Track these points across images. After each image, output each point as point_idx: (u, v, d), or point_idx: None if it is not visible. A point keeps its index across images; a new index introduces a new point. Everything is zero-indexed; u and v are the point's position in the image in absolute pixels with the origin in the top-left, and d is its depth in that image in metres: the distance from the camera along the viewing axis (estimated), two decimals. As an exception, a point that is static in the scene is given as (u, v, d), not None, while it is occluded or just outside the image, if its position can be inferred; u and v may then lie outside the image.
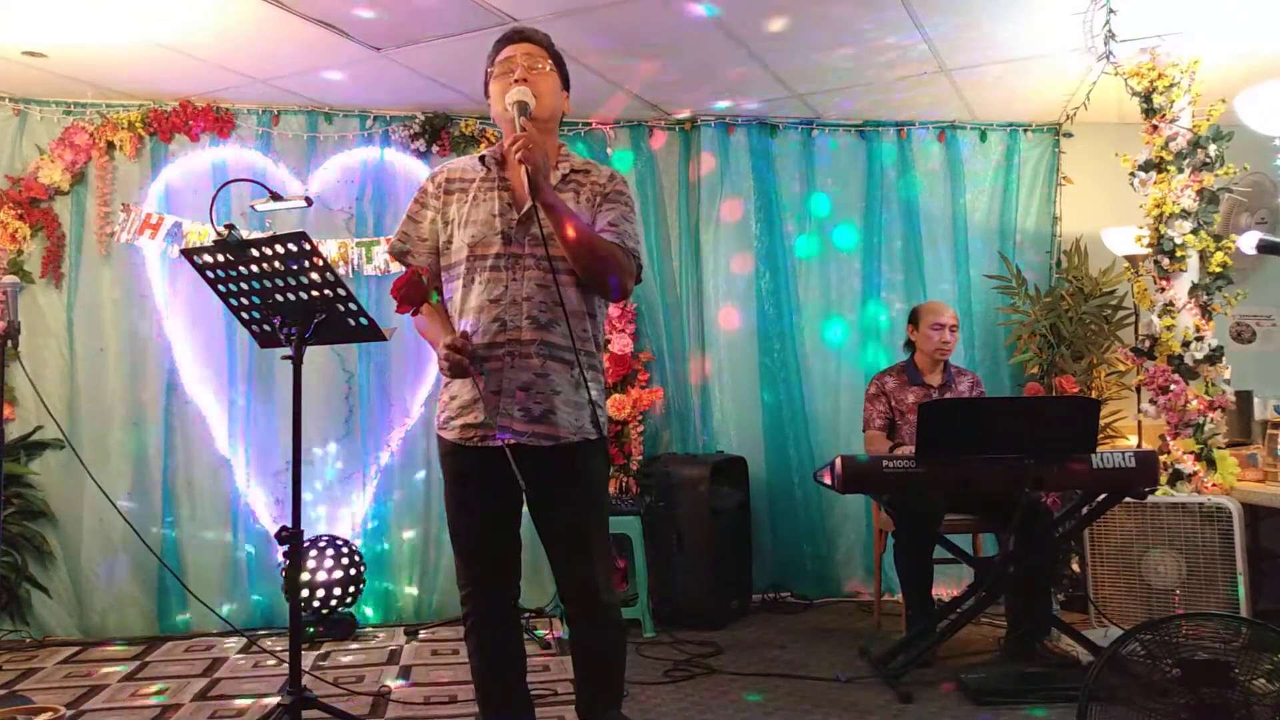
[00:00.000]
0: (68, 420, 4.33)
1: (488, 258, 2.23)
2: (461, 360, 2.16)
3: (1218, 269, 4.00)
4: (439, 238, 2.34)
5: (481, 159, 2.33)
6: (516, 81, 2.23)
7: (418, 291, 2.24)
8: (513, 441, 2.20)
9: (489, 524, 2.30)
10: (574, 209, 2.25)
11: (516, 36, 2.33)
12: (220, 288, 2.59)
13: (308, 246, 2.40)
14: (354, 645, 4.20)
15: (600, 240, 2.23)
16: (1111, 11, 3.74)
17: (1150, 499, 3.64)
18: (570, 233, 2.15)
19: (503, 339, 2.20)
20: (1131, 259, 4.51)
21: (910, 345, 4.24)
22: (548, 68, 2.30)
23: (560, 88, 2.35)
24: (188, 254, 2.56)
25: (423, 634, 4.36)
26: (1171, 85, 4.02)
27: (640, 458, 4.76)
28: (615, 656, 2.37)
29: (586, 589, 2.28)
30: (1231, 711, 1.89)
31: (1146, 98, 4.08)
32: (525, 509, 2.36)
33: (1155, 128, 4.07)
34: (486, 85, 2.35)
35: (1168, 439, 3.99)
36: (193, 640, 4.28)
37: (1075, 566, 4.27)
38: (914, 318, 4.23)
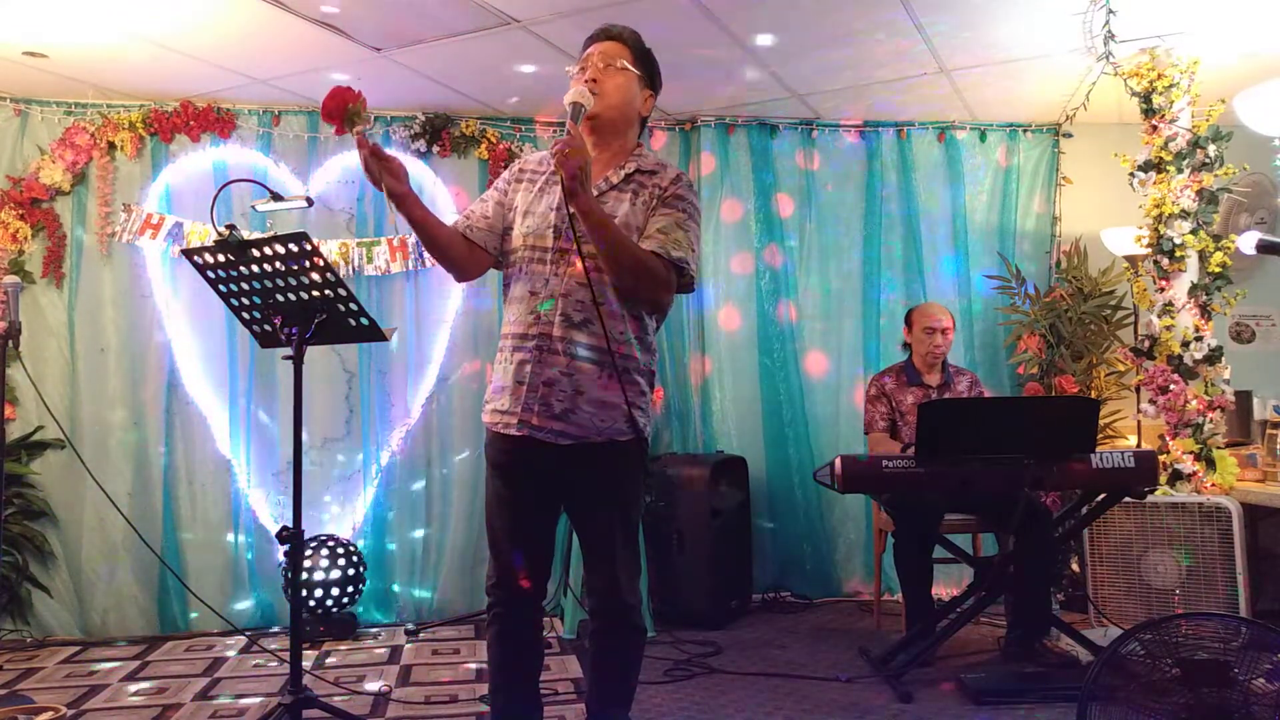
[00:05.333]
0: (68, 420, 4.33)
1: (537, 249, 2.23)
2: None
3: (1217, 269, 4.00)
4: (503, 221, 2.33)
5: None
6: (586, 82, 2.20)
7: (339, 104, 2.07)
8: (525, 433, 2.20)
9: (520, 519, 2.29)
10: (625, 211, 2.21)
11: (600, 35, 2.30)
12: (221, 288, 2.60)
13: (308, 247, 2.40)
14: (354, 645, 4.21)
15: (635, 253, 2.15)
16: (1111, 12, 3.74)
17: (1150, 499, 3.64)
18: (601, 243, 2.10)
19: (534, 332, 2.19)
20: (1131, 259, 4.51)
21: (908, 346, 4.24)
22: (623, 65, 2.25)
23: (636, 86, 2.28)
24: (188, 254, 2.57)
25: (423, 634, 4.36)
26: (1171, 85, 4.03)
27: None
28: (630, 658, 2.37)
29: (607, 588, 2.28)
30: (1231, 711, 1.89)
31: (1146, 98, 4.08)
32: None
33: (1155, 128, 4.07)
34: None
35: (1167, 439, 3.99)
36: (193, 640, 4.29)
37: (1075, 566, 4.27)
38: (908, 320, 4.23)
